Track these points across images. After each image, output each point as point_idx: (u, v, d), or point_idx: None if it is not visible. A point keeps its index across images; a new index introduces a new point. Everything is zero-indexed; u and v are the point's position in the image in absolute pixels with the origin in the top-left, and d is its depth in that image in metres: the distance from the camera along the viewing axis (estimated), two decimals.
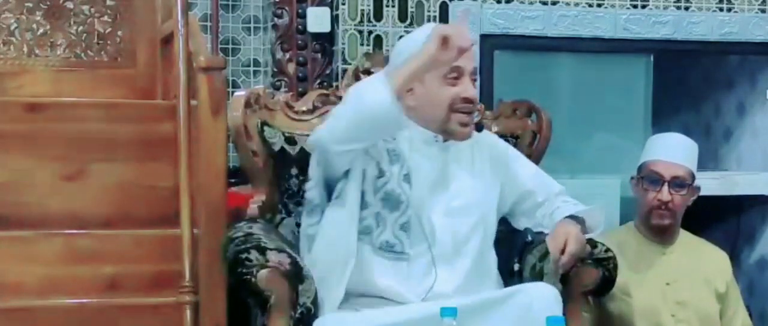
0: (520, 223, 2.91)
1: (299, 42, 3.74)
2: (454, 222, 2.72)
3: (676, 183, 3.17)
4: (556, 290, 2.60)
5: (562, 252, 2.63)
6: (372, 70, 3.10)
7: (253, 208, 2.89)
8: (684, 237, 3.31)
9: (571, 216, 2.76)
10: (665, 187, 3.16)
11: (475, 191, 2.79)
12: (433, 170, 2.75)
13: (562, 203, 2.86)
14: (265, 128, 2.95)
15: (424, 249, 2.68)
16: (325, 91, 3.15)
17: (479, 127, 2.82)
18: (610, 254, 2.77)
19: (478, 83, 2.84)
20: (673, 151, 3.22)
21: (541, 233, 2.81)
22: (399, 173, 2.69)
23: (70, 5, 3.53)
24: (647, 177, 3.20)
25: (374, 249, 2.66)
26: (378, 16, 3.65)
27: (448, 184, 2.76)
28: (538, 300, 2.49)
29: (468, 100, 2.71)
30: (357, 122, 2.54)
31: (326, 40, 3.73)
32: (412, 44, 2.72)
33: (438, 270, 2.67)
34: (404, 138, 2.74)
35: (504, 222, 2.93)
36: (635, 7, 3.85)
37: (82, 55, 3.54)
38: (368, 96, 2.51)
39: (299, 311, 2.62)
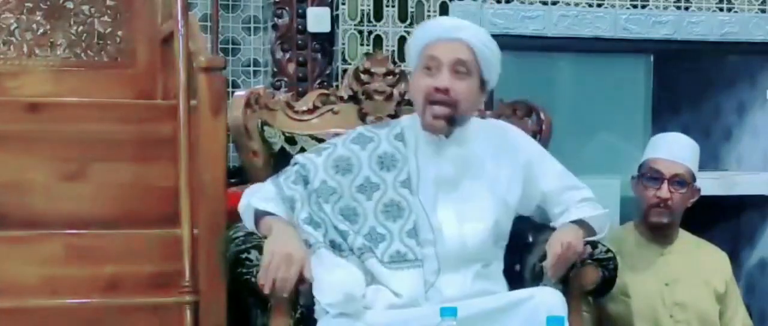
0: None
1: (299, 42, 3.74)
2: (465, 227, 2.66)
3: (676, 181, 3.17)
4: (562, 296, 2.57)
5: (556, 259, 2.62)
6: (372, 70, 3.09)
7: None
8: (683, 237, 3.30)
9: (577, 221, 2.76)
10: (665, 185, 3.16)
11: (489, 195, 2.71)
12: (439, 170, 2.68)
13: (575, 206, 2.80)
14: (266, 128, 2.95)
15: (432, 253, 2.62)
16: (325, 91, 3.15)
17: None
18: (610, 254, 2.76)
19: (491, 85, 2.73)
20: (675, 149, 3.22)
21: (541, 233, 2.80)
22: (394, 180, 2.65)
23: (70, 5, 3.52)
24: (647, 174, 3.20)
25: (385, 264, 2.58)
26: (378, 16, 3.65)
27: (457, 185, 2.69)
28: (544, 306, 2.46)
29: (440, 91, 2.61)
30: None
31: (326, 40, 3.73)
32: (412, 43, 2.73)
33: (445, 276, 2.61)
34: (411, 137, 2.70)
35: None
36: (635, 7, 3.86)
37: (82, 55, 3.53)
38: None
39: (299, 311, 2.62)
